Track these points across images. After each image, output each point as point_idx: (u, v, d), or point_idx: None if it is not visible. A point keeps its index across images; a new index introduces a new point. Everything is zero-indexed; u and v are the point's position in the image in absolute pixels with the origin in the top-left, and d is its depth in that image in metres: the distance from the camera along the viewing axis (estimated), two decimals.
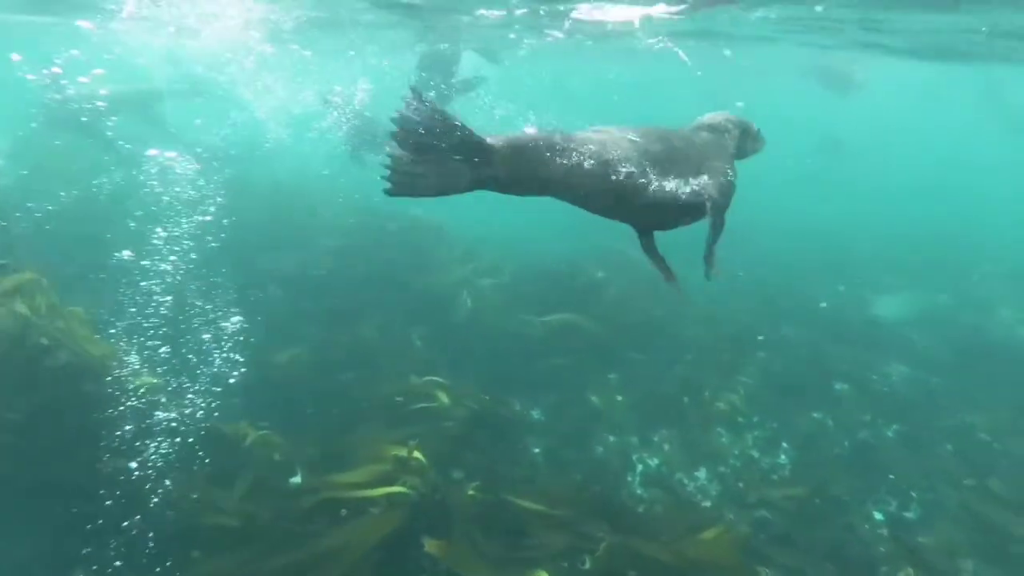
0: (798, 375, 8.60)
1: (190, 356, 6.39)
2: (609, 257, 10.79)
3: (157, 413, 5.49)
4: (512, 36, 12.74)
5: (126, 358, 5.83)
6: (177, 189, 8.72)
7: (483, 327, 8.76)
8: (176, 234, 7.67)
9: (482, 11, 10.16)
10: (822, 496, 6.44)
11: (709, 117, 3.30)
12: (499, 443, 6.53)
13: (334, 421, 6.44)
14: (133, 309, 6.65)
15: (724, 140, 3.19)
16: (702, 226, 3.00)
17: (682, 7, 8.87)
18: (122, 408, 5.39)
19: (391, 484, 4.93)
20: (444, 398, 6.50)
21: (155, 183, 8.88)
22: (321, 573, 4.37)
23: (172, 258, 7.28)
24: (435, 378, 6.79)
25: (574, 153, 2.61)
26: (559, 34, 11.90)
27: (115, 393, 5.46)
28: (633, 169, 2.68)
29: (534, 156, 2.58)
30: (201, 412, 5.76)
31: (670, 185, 2.77)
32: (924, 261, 14.36)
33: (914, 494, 6.66)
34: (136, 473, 5.00)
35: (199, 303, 7.21)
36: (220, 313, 7.15)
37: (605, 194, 2.69)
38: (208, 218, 8.28)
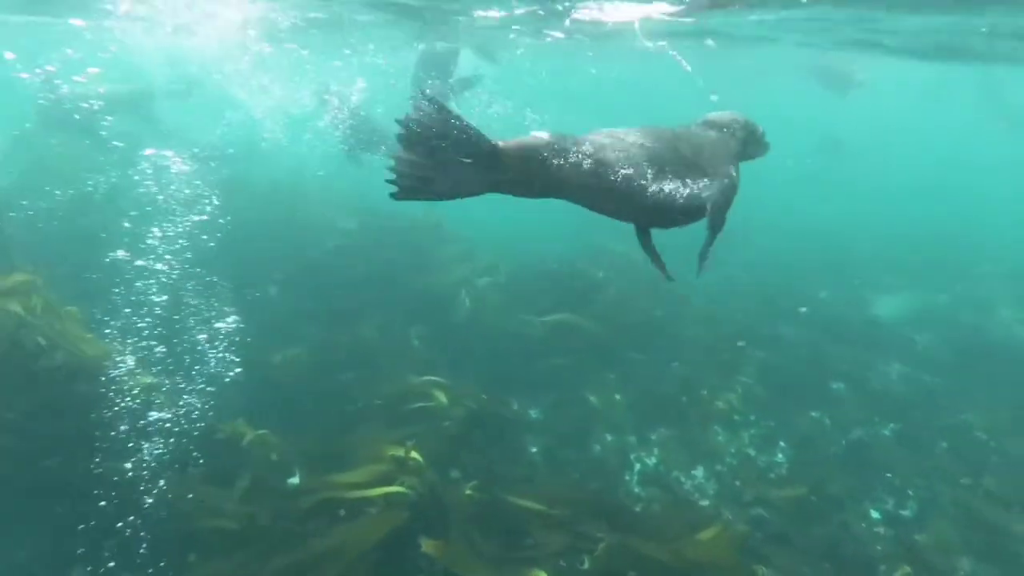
0: (796, 374, 8.62)
1: (188, 356, 6.37)
2: (609, 257, 10.80)
3: (154, 414, 5.47)
4: (511, 37, 12.72)
5: (123, 358, 5.81)
6: (172, 188, 8.69)
7: (482, 327, 8.75)
8: (172, 234, 7.65)
9: (480, 12, 10.14)
10: (819, 495, 6.46)
11: (717, 115, 3.29)
12: (497, 443, 6.53)
13: (333, 421, 6.43)
14: (130, 309, 6.63)
15: (729, 140, 3.18)
16: (702, 225, 3.00)
17: (680, 8, 8.87)
18: (119, 409, 5.37)
19: (389, 484, 4.92)
20: (442, 398, 6.49)
21: (150, 183, 8.85)
22: (319, 574, 4.37)
23: (169, 258, 7.26)
24: (434, 378, 6.79)
25: (585, 159, 2.61)
26: (559, 34, 11.88)
27: (112, 393, 5.44)
28: (644, 180, 2.69)
29: (544, 161, 2.57)
30: (199, 412, 5.74)
31: (672, 188, 2.77)
32: (924, 261, 14.38)
33: (911, 492, 6.68)
34: (133, 474, 4.98)
35: (196, 303, 7.19)
36: (217, 313, 7.13)
37: (610, 198, 2.70)
38: (205, 217, 8.26)
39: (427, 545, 4.42)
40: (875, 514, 6.46)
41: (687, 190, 2.81)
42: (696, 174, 2.86)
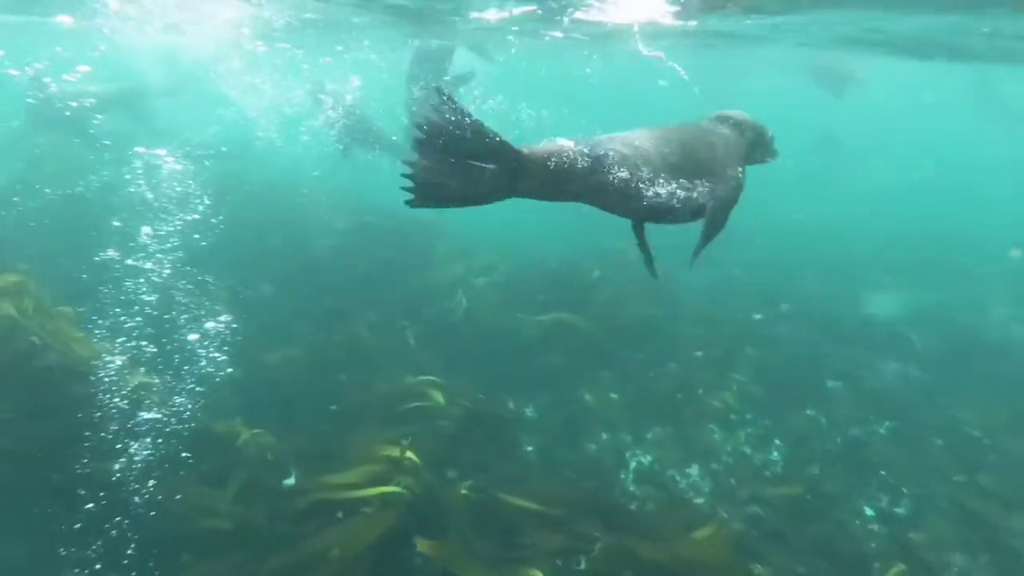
0: (792, 373, 8.64)
1: (183, 356, 6.33)
2: (606, 257, 10.78)
3: (148, 414, 5.43)
4: (509, 38, 12.69)
5: (117, 358, 5.77)
6: (165, 187, 8.63)
7: (479, 326, 8.74)
8: (164, 233, 7.59)
9: (476, 13, 10.09)
10: (815, 493, 6.48)
11: (731, 112, 3.33)
12: (493, 442, 6.52)
13: (329, 420, 6.41)
14: (124, 309, 6.58)
15: (739, 140, 3.22)
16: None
17: (677, 9, 8.88)
18: (113, 409, 5.33)
19: (386, 484, 4.90)
20: (439, 397, 6.48)
21: (142, 181, 8.78)
22: (315, 574, 4.35)
23: (162, 257, 7.21)
24: (430, 377, 6.77)
25: (608, 166, 2.61)
26: (558, 34, 11.86)
27: (105, 394, 5.40)
28: (661, 191, 2.73)
29: (571, 170, 2.55)
30: (194, 412, 5.71)
31: (685, 194, 2.82)
32: (922, 260, 14.43)
33: (906, 490, 6.71)
34: (127, 474, 4.95)
35: (191, 302, 7.14)
36: (212, 313, 7.09)
37: (628, 202, 2.72)
38: (199, 217, 8.20)
39: (423, 545, 4.41)
40: (870, 512, 6.49)
41: (696, 194, 2.85)
42: (707, 176, 2.89)
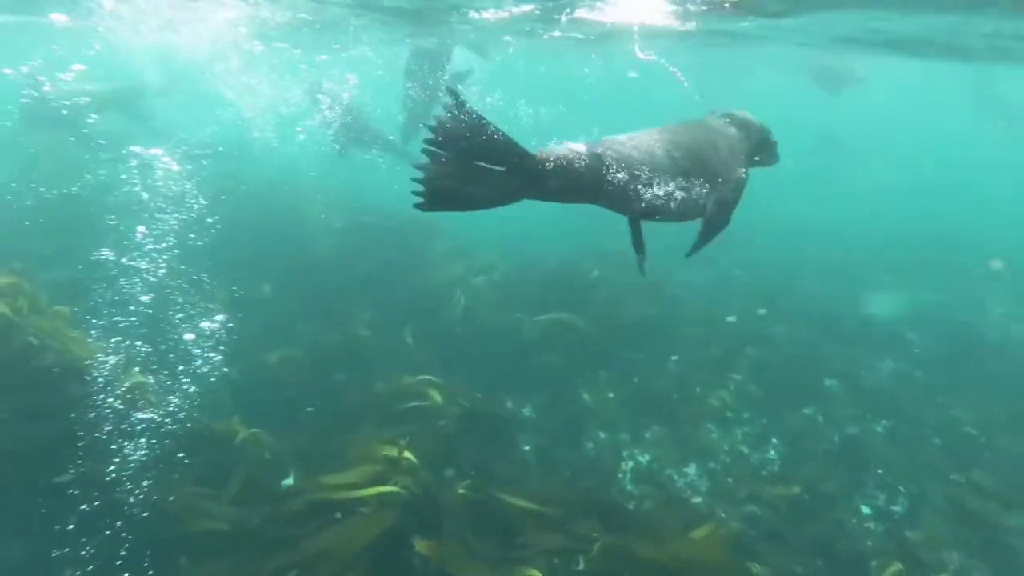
0: (790, 372, 8.65)
1: (180, 356, 6.31)
2: (606, 257, 10.78)
3: (146, 414, 5.42)
4: (507, 37, 12.67)
5: (115, 358, 5.75)
6: (161, 187, 8.60)
7: (477, 326, 8.73)
8: (161, 233, 7.57)
9: (475, 13, 10.07)
10: (812, 492, 6.49)
11: (739, 112, 3.35)
12: (492, 441, 6.51)
13: (327, 420, 6.39)
14: (120, 309, 6.55)
15: (744, 140, 3.25)
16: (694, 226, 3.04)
17: (676, 9, 8.86)
18: (110, 409, 5.31)
19: (384, 484, 4.89)
20: (437, 397, 6.47)
21: (137, 181, 8.75)
22: (313, 575, 4.34)
23: (161, 257, 7.18)
24: (428, 377, 6.76)
25: (622, 171, 2.63)
26: (558, 33, 11.84)
27: (103, 394, 5.39)
28: (670, 190, 2.78)
29: (582, 171, 2.55)
30: (191, 412, 5.69)
31: (694, 195, 2.87)
32: (922, 260, 14.45)
33: (903, 489, 6.73)
34: (123, 475, 4.93)
35: (189, 302, 7.12)
36: (210, 312, 7.07)
37: (638, 204, 2.75)
38: (195, 216, 8.18)
39: (421, 545, 4.40)
40: (867, 510, 6.51)
41: (701, 194, 2.90)
42: (713, 177, 2.94)
